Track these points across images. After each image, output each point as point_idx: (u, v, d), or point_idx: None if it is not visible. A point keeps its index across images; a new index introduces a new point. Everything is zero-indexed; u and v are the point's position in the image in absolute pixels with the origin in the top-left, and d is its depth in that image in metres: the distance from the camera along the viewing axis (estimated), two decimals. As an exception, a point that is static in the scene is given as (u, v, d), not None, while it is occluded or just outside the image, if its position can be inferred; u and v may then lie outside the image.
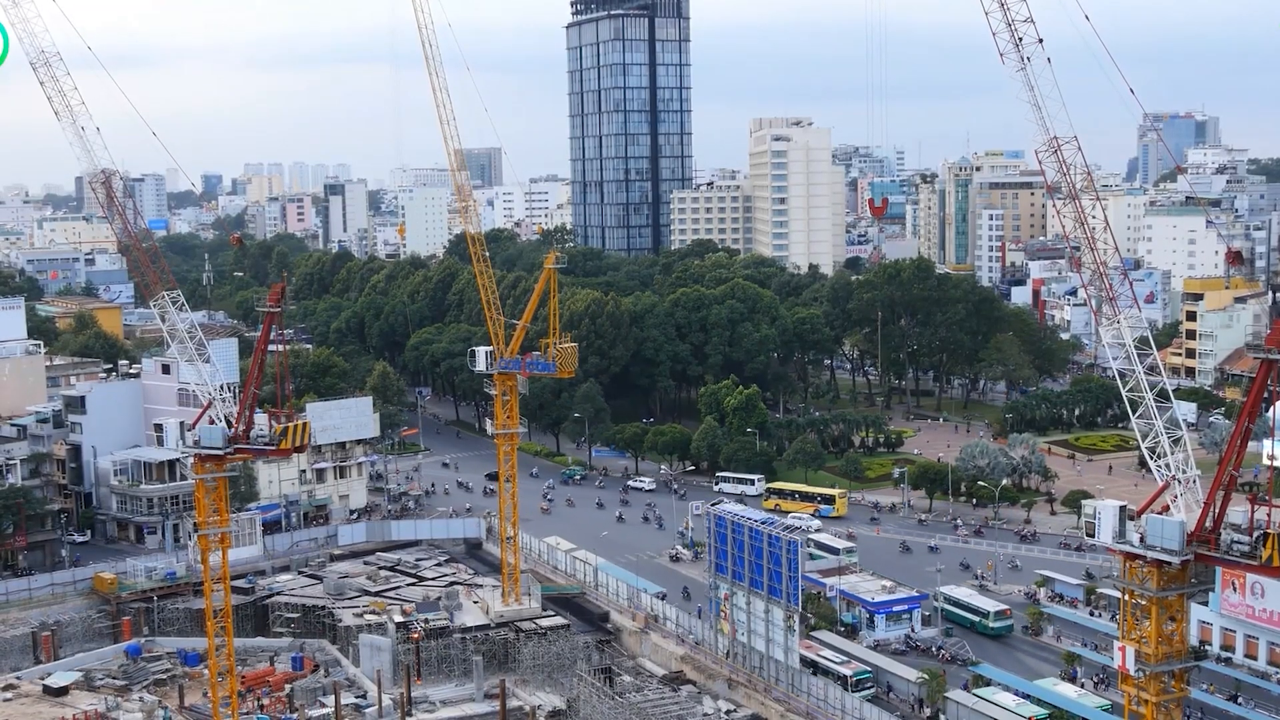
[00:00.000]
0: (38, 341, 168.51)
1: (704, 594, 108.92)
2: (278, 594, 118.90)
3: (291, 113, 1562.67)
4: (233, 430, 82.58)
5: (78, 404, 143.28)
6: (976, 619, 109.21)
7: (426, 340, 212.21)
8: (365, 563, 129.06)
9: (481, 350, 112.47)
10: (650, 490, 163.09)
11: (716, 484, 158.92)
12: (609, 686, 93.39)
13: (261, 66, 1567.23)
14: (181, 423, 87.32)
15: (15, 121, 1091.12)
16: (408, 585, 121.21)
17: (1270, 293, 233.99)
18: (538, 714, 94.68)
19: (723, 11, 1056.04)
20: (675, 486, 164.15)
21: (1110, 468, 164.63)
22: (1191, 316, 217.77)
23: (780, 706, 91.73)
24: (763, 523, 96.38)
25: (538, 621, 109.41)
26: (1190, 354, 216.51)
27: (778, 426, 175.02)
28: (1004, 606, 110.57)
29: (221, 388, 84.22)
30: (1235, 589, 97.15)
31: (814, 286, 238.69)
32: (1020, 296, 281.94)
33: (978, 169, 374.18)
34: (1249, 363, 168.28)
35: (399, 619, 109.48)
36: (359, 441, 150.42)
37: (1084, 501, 76.46)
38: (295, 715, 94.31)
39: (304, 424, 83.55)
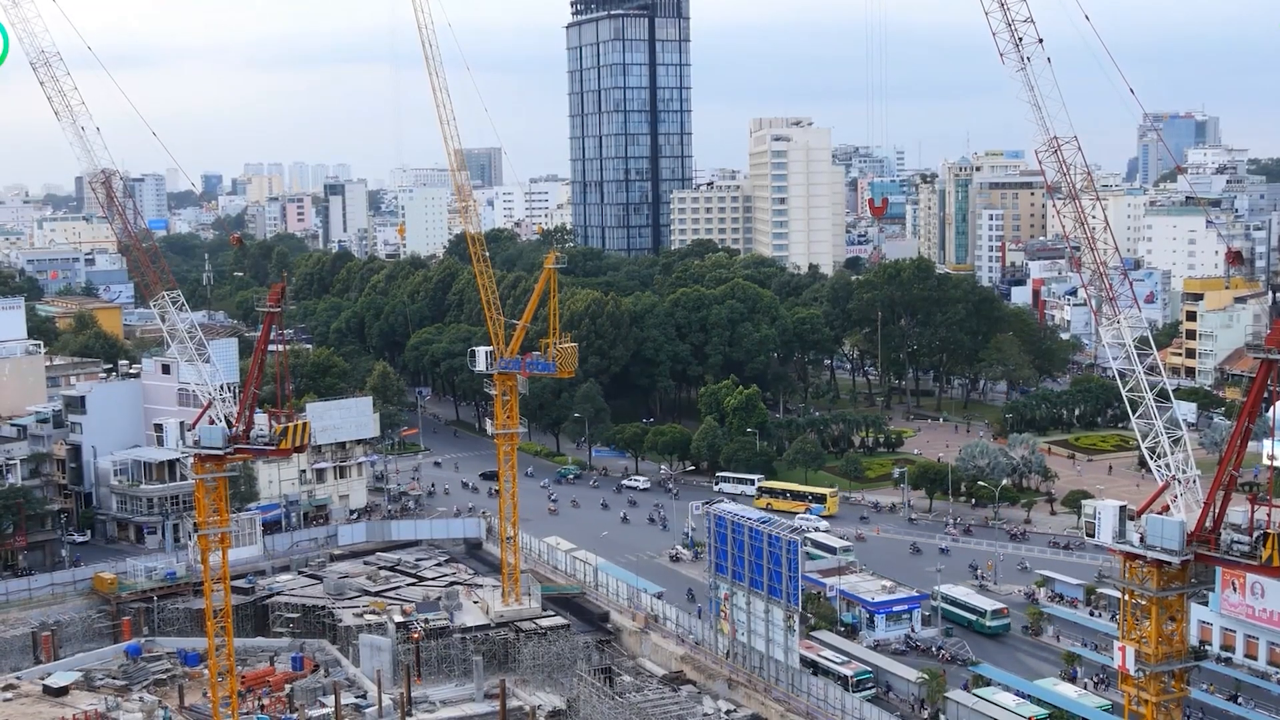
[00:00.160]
0: (38, 341, 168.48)
1: (705, 595, 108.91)
2: (278, 594, 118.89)
3: (291, 113, 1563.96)
4: (233, 430, 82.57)
5: (78, 404, 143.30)
6: (974, 618, 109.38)
7: (426, 340, 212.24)
8: (365, 563, 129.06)
9: (481, 350, 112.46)
10: (645, 489, 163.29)
11: (716, 484, 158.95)
12: (609, 686, 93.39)
13: (261, 66, 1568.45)
14: (181, 423, 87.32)
15: (15, 121, 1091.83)
16: (408, 585, 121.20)
17: (1270, 293, 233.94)
18: (538, 714, 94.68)
19: (723, 11, 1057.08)
20: (669, 486, 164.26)
21: (1110, 468, 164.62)
22: (1191, 316, 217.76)
23: (780, 706, 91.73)
24: (762, 523, 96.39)
25: (538, 621, 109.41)
26: (1190, 354, 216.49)
27: (778, 426, 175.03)
28: (1001, 606, 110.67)
29: (221, 388, 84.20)
30: (1235, 589, 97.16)
31: (814, 286, 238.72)
32: (1020, 296, 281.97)
33: (978, 169, 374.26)
34: (1249, 363, 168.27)
35: (399, 619, 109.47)
36: (359, 441, 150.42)
37: (1084, 501, 76.46)
38: (295, 715, 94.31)
39: (304, 424, 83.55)
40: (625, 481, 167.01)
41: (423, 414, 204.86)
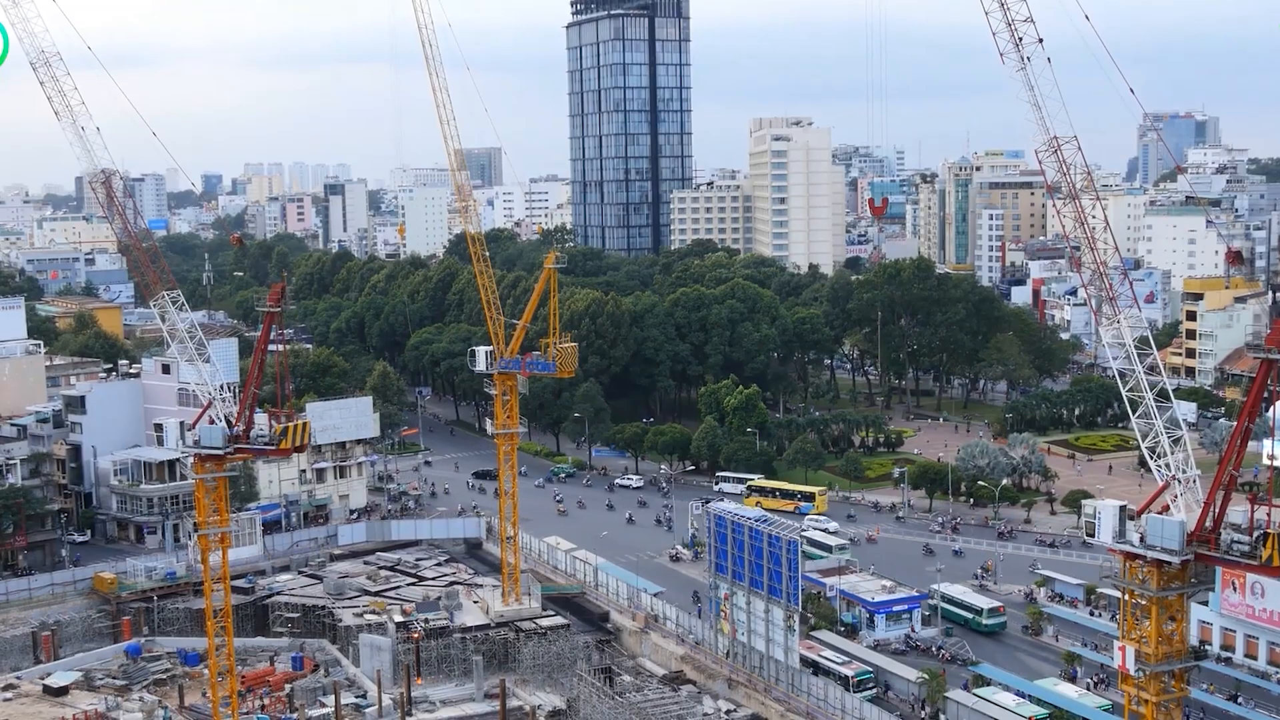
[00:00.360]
0: (38, 341, 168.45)
1: (708, 596, 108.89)
2: (278, 594, 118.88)
3: (291, 113, 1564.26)
4: (233, 430, 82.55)
5: (78, 404, 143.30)
6: (970, 616, 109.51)
7: (426, 340, 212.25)
8: (365, 563, 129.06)
9: (481, 350, 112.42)
10: (638, 488, 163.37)
11: (716, 484, 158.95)
12: (609, 686, 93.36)
13: (261, 66, 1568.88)
14: (181, 423, 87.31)
15: (15, 121, 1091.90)
16: (408, 585, 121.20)
17: (1270, 293, 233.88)
18: (538, 714, 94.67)
19: (722, 11, 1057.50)
20: (663, 485, 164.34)
21: (1110, 468, 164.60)
22: (1191, 316, 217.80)
23: (780, 706, 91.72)
24: (762, 522, 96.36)
25: (538, 621, 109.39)
26: (1190, 354, 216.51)
27: (778, 426, 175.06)
28: (998, 604, 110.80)
29: (221, 388, 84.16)
30: (1235, 589, 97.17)
31: (814, 286, 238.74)
32: (1020, 296, 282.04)
33: (978, 169, 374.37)
34: (1249, 363, 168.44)
35: (399, 619, 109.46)
36: (359, 441, 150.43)
37: (1084, 501, 76.46)
38: (295, 715, 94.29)
39: (304, 424, 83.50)
40: (619, 480, 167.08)
41: (423, 414, 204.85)
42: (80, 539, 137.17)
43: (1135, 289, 77.98)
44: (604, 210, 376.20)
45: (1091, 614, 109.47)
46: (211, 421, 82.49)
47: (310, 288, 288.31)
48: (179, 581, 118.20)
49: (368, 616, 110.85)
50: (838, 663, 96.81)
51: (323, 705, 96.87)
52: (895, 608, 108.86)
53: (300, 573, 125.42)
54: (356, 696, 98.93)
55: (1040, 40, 64.75)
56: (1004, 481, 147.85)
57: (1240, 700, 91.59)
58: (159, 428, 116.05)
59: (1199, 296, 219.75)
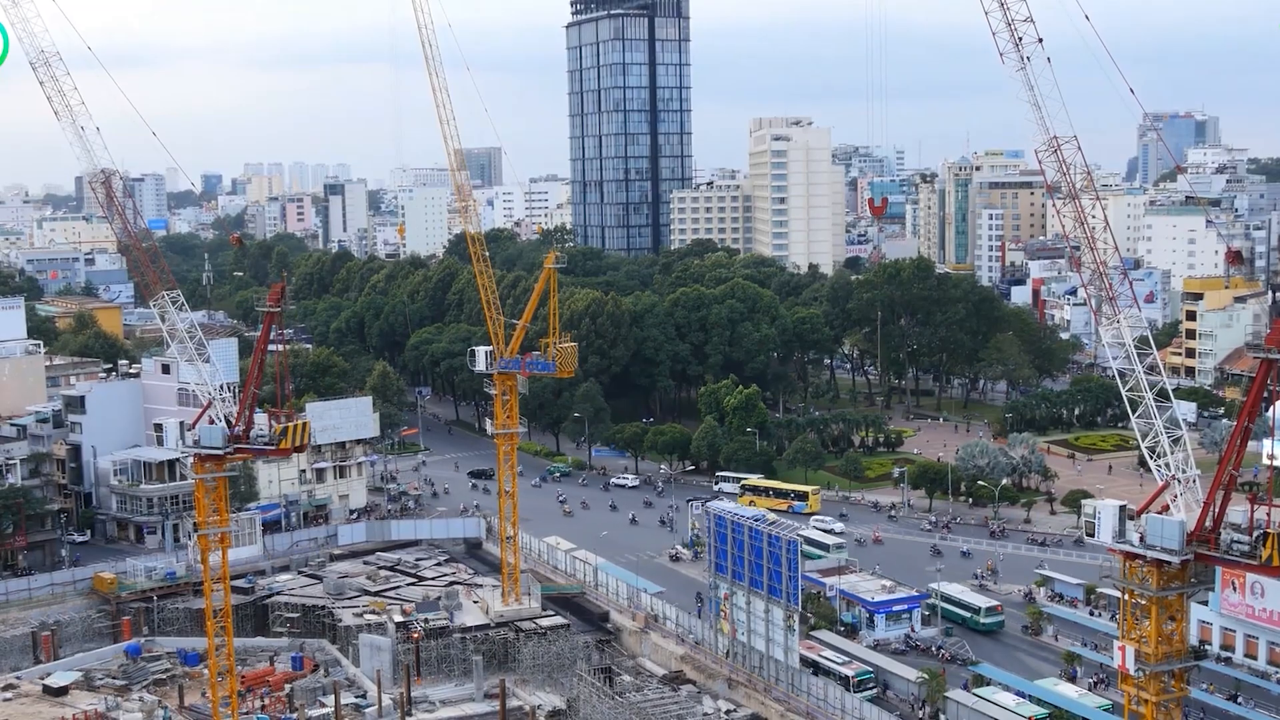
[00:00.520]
0: (38, 341, 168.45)
1: (708, 596, 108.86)
2: (278, 594, 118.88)
3: (291, 113, 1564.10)
4: (233, 430, 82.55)
5: (78, 404, 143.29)
6: (968, 614, 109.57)
7: (426, 340, 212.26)
8: (365, 563, 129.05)
9: (481, 350, 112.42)
10: (633, 487, 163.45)
11: (716, 484, 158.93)
12: (609, 686, 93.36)
13: (261, 66, 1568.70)
14: (181, 423, 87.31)
15: (15, 121, 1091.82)
16: (408, 585, 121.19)
17: (1270, 292, 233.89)
18: (538, 714, 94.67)
19: (722, 11, 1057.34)
20: (657, 484, 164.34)
21: (1110, 467, 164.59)
22: (1191, 316, 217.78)
23: (780, 706, 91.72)
24: (762, 522, 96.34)
25: (538, 621, 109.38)
26: (1190, 354, 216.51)
27: (778, 426, 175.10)
28: (995, 603, 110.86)
29: (221, 388, 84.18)
30: (1235, 589, 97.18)
31: (814, 286, 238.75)
32: (1020, 296, 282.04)
33: (978, 169, 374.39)
34: (1249, 362, 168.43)
35: (399, 619, 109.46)
36: (359, 441, 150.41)
37: (1084, 501, 76.48)
38: (295, 715, 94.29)
39: (304, 424, 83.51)
40: (614, 480, 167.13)
41: (422, 414, 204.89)
42: (80, 539, 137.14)
43: (1135, 289, 77.97)
44: (604, 210, 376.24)
45: (1091, 614, 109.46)
46: (211, 421, 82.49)
47: (310, 288, 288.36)
48: (179, 581, 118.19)
49: (368, 616, 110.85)
50: (838, 662, 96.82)
51: (323, 705, 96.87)
52: (895, 607, 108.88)
53: (300, 573, 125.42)
54: (356, 696, 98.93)
55: (1040, 40, 64.76)
56: (1004, 481, 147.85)
57: (1240, 700, 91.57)
58: (159, 428, 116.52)
59: (1199, 296, 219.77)
